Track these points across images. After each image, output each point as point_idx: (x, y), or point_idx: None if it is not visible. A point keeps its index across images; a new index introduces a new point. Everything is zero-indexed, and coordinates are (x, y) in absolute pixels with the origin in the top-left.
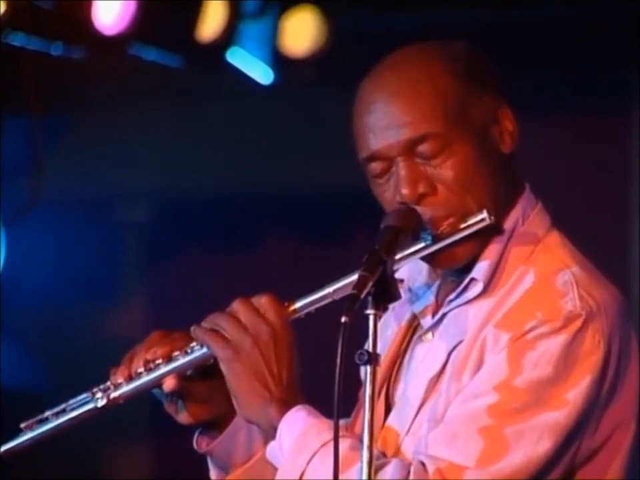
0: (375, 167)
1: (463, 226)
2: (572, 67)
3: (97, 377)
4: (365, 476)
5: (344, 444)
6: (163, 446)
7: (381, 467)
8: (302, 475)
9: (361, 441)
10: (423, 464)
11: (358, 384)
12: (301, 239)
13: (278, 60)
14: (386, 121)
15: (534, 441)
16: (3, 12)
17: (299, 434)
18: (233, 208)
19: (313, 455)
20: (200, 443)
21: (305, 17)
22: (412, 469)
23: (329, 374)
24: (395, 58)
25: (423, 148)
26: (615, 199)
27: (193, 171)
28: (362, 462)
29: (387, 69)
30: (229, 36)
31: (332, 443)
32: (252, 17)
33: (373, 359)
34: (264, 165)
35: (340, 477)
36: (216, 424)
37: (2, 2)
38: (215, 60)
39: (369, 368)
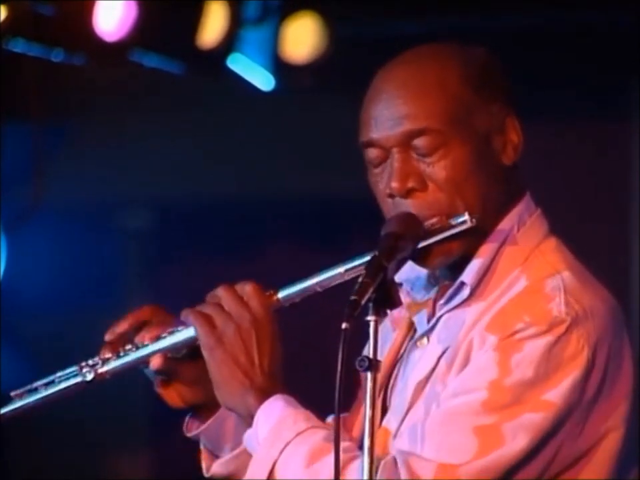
0: (372, 152)
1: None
2: (572, 73)
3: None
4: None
5: (318, 435)
6: (162, 450)
7: (350, 460)
8: (274, 463)
9: (362, 445)
10: (394, 459)
11: (358, 380)
12: (302, 245)
13: (279, 66)
14: (389, 111)
15: (509, 438)
16: (3, 18)
17: (274, 423)
18: (234, 214)
19: (287, 444)
20: (190, 426)
21: (306, 24)
22: (382, 463)
23: (330, 376)
24: (412, 54)
25: (420, 142)
26: (615, 205)
27: (194, 178)
28: (362, 465)
29: (402, 63)
30: (229, 42)
31: (306, 433)
32: (253, 24)
33: (373, 365)
34: (264, 171)
35: (309, 467)
36: (206, 408)
37: (3, 8)
38: (216, 66)
39: (369, 374)
